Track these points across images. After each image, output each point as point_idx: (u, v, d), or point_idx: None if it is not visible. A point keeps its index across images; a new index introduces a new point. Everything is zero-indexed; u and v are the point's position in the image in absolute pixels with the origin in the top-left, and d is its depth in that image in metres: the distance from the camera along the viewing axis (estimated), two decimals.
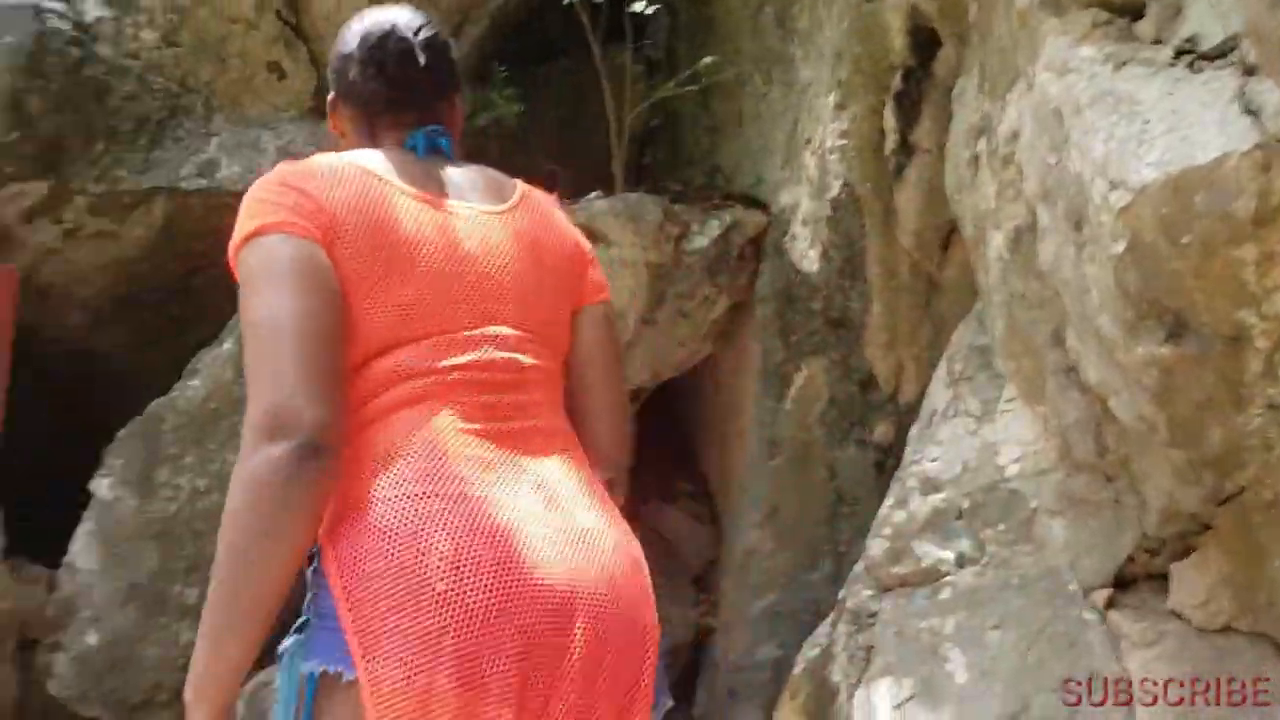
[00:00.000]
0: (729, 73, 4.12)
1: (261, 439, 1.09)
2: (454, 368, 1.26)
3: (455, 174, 1.42)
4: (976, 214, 2.55)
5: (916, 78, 3.06)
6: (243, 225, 1.24)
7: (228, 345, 3.64)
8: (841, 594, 2.65)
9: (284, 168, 1.30)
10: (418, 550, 1.12)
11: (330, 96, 1.50)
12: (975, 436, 2.49)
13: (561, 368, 1.43)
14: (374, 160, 1.35)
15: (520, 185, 1.48)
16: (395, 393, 1.23)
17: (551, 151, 4.42)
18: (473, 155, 1.54)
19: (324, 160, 1.31)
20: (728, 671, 3.50)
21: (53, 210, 3.87)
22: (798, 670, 2.67)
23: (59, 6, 3.88)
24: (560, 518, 1.23)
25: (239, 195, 1.31)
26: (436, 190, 1.37)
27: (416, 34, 1.44)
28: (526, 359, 1.33)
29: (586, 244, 1.52)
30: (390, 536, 1.13)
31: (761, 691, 3.26)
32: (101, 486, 3.55)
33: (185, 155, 4.08)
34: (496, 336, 1.31)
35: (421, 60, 1.43)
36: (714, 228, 3.73)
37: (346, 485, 1.18)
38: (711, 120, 4.56)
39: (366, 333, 1.23)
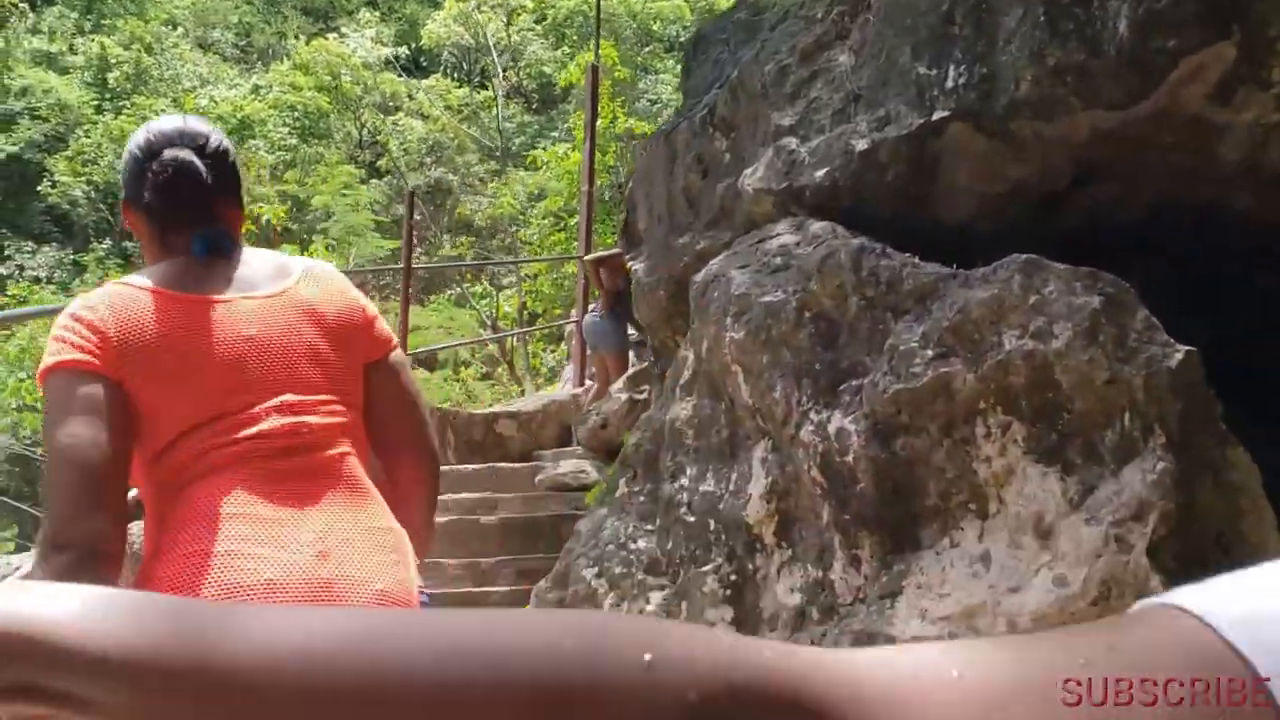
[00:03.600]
0: None
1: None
2: (241, 439, 1.51)
3: (239, 268, 1.63)
4: None
5: None
6: (44, 359, 1.53)
7: None
8: None
9: (77, 302, 1.58)
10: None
11: (123, 197, 1.69)
12: None
13: (360, 420, 1.65)
14: (156, 277, 1.58)
15: (304, 263, 1.71)
16: (192, 469, 1.50)
17: None
18: None
19: (110, 291, 1.57)
20: None
21: (1251, 76, 2.79)
22: None
23: None
24: (330, 567, 1.48)
25: None
26: (218, 289, 1.59)
27: (200, 148, 1.63)
28: (316, 419, 1.56)
29: (369, 305, 1.72)
30: (167, 585, 1.44)
31: None
32: None
33: None
34: (282, 404, 1.55)
35: (205, 175, 1.62)
36: None
37: (149, 548, 1.53)
38: None
39: (165, 426, 1.51)
